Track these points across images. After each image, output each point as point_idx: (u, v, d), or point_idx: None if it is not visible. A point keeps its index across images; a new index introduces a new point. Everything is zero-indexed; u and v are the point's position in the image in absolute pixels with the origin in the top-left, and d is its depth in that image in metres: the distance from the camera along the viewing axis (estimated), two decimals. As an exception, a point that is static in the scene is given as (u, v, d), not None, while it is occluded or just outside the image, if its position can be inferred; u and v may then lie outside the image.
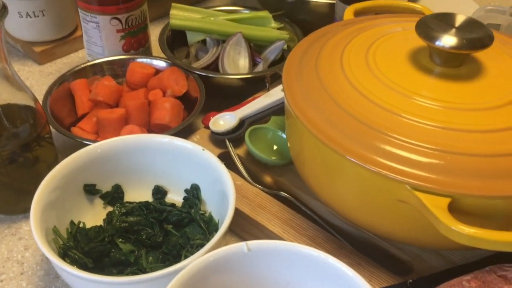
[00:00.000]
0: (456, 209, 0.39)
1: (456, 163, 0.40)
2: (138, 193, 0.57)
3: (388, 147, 0.42)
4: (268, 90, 0.67)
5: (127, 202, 0.56)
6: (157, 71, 0.71)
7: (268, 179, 0.59)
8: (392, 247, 0.50)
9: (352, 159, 0.42)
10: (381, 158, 0.42)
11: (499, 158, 0.40)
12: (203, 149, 0.54)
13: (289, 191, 0.57)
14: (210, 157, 0.53)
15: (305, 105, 0.47)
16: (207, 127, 0.64)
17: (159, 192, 0.57)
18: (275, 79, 0.68)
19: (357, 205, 0.46)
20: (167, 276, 0.43)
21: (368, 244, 0.52)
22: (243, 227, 0.55)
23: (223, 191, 0.51)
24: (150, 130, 0.65)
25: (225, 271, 0.44)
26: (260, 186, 0.57)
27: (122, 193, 0.57)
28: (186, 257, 0.49)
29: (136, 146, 0.55)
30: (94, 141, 0.59)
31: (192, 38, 0.76)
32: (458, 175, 0.40)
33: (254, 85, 0.70)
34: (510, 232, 0.37)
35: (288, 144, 0.55)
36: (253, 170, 0.59)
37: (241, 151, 0.61)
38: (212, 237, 0.52)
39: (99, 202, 0.56)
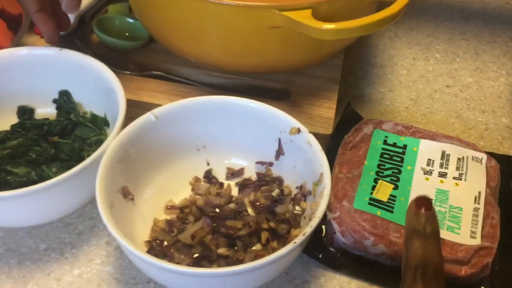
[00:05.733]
0: (317, 18, 0.46)
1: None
2: (2, 121, 0.52)
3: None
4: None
5: (-6, 133, 0.51)
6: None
7: (131, 65, 0.58)
8: (266, 82, 0.56)
9: (220, 1, 0.45)
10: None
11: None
12: (60, 49, 0.51)
13: (158, 68, 0.57)
14: (73, 55, 0.51)
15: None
16: (44, 36, 0.59)
17: (26, 112, 0.53)
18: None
19: (233, 48, 0.50)
20: (87, 169, 0.42)
21: (244, 88, 0.57)
22: (128, 114, 0.55)
23: (99, 84, 0.50)
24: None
25: (141, 141, 0.45)
26: (128, 72, 0.56)
27: (-16, 126, 0.52)
28: (89, 155, 0.48)
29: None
30: None
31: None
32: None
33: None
34: (362, 18, 0.45)
35: (143, 22, 0.56)
36: (114, 63, 0.58)
37: (92, 47, 0.59)
38: (105, 131, 0.52)
39: (-37, 142, 0.50)
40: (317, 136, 0.46)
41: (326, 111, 0.53)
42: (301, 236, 0.37)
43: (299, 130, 0.45)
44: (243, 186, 0.49)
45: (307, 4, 0.45)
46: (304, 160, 0.45)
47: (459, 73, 0.64)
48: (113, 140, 0.43)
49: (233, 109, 0.47)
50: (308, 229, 0.38)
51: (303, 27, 0.45)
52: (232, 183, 0.50)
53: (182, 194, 0.48)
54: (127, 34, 0.59)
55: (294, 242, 0.37)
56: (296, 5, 0.45)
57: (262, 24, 0.47)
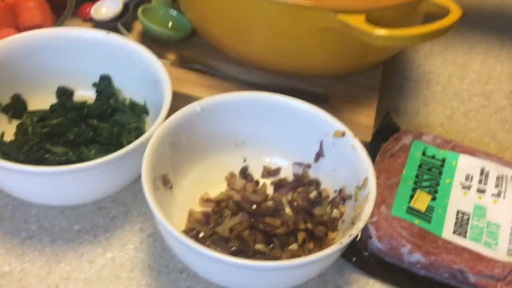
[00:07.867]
0: (370, 23, 0.46)
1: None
2: (41, 100, 0.52)
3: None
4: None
5: (34, 110, 0.51)
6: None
7: (171, 57, 0.58)
8: (307, 85, 0.56)
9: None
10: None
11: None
12: (107, 33, 0.51)
13: (199, 62, 0.57)
14: (120, 41, 0.50)
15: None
16: (86, 19, 0.60)
17: (65, 93, 0.53)
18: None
19: (278, 47, 0.50)
20: (130, 154, 0.42)
21: (284, 89, 0.57)
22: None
23: (146, 73, 0.50)
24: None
25: (185, 129, 0.45)
26: (170, 62, 0.56)
27: (24, 102, 0.51)
28: (128, 142, 0.48)
29: (33, 45, 0.49)
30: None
31: None
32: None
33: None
34: (415, 27, 0.45)
35: (188, 14, 0.56)
36: (154, 52, 0.58)
37: (133, 36, 0.59)
38: (144, 119, 0.52)
39: (2, 117, 0.50)
40: (356, 142, 0.46)
41: (365, 119, 0.53)
42: (347, 237, 0.37)
43: (344, 134, 0.45)
44: (279, 186, 0.49)
45: (363, 8, 0.45)
46: (346, 164, 0.45)
47: (494, 95, 0.64)
48: (163, 123, 0.43)
49: (278, 107, 0.47)
50: (354, 231, 0.37)
51: (356, 31, 0.45)
52: (268, 181, 0.49)
53: (217, 188, 0.48)
54: (169, 25, 0.60)
55: (341, 243, 0.36)
56: (352, 9, 0.45)
57: (313, 25, 0.47)
